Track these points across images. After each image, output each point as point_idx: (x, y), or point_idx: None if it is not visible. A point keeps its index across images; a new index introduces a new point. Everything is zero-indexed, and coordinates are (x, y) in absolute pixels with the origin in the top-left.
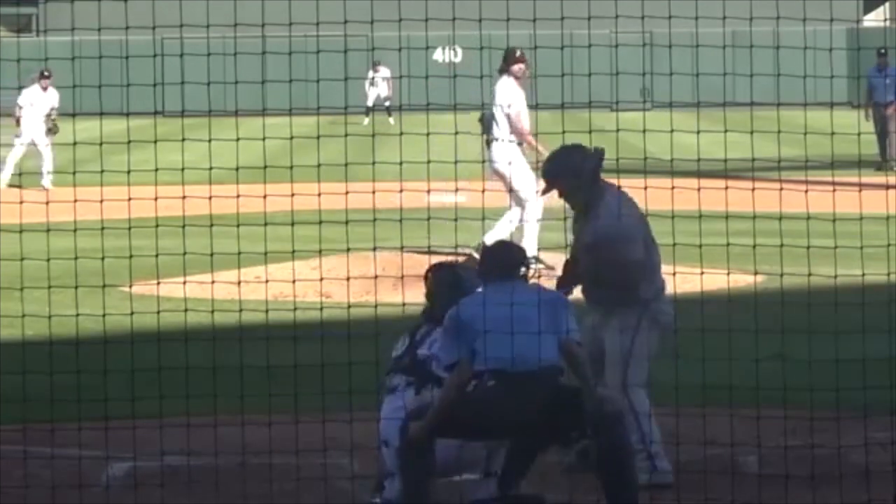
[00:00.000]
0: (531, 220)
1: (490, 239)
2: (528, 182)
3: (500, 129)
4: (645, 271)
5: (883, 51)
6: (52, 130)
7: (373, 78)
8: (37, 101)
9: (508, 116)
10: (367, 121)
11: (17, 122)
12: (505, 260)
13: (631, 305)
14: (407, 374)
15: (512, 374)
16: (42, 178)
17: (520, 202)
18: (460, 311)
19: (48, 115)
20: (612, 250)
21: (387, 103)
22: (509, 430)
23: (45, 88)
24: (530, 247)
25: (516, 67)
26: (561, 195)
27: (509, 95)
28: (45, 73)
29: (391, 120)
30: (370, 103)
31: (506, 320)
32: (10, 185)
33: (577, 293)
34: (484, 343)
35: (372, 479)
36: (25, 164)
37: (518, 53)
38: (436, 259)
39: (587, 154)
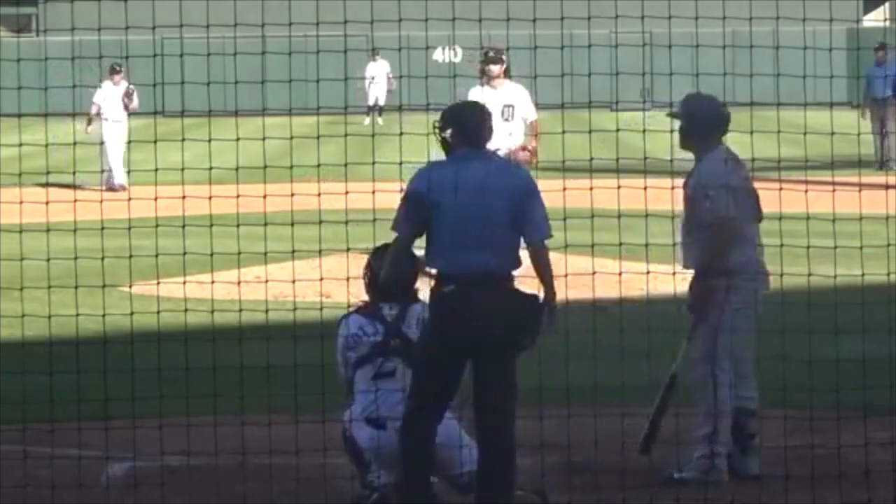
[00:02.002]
0: None
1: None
2: None
3: None
4: (735, 237)
5: (878, 45)
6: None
7: (370, 79)
8: (110, 97)
9: None
10: (367, 121)
11: (89, 121)
12: (474, 128)
13: (717, 276)
14: (402, 356)
15: (470, 276)
16: (115, 178)
17: None
18: (430, 185)
19: (125, 101)
20: (701, 204)
21: (382, 102)
22: (468, 336)
23: (116, 84)
24: None
25: (486, 69)
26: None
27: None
28: (116, 68)
29: (380, 120)
30: (371, 102)
31: (471, 218)
32: (130, 185)
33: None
34: (446, 247)
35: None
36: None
37: (490, 54)
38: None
39: (717, 107)
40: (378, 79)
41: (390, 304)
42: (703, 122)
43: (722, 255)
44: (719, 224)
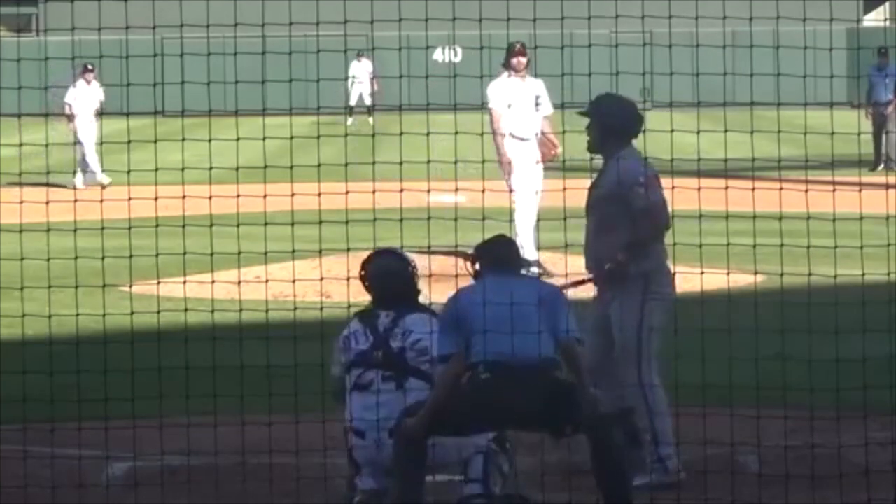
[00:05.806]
0: (524, 221)
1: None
2: (523, 182)
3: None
4: (664, 221)
5: (883, 50)
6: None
7: (353, 77)
8: (82, 96)
9: (490, 112)
10: (350, 121)
11: (69, 119)
12: (500, 255)
13: (634, 278)
14: (381, 368)
15: (505, 366)
16: (96, 175)
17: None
18: (458, 303)
19: (97, 111)
20: (632, 192)
21: (368, 101)
22: (502, 423)
23: (88, 82)
24: (528, 250)
25: (514, 61)
26: (589, 135)
27: (494, 91)
28: (89, 67)
29: (370, 119)
30: (353, 102)
31: (503, 315)
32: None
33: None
34: (481, 337)
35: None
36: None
37: (517, 47)
38: (436, 258)
39: (631, 109)
40: (361, 78)
41: (387, 312)
42: (622, 125)
43: (657, 238)
44: (653, 209)
